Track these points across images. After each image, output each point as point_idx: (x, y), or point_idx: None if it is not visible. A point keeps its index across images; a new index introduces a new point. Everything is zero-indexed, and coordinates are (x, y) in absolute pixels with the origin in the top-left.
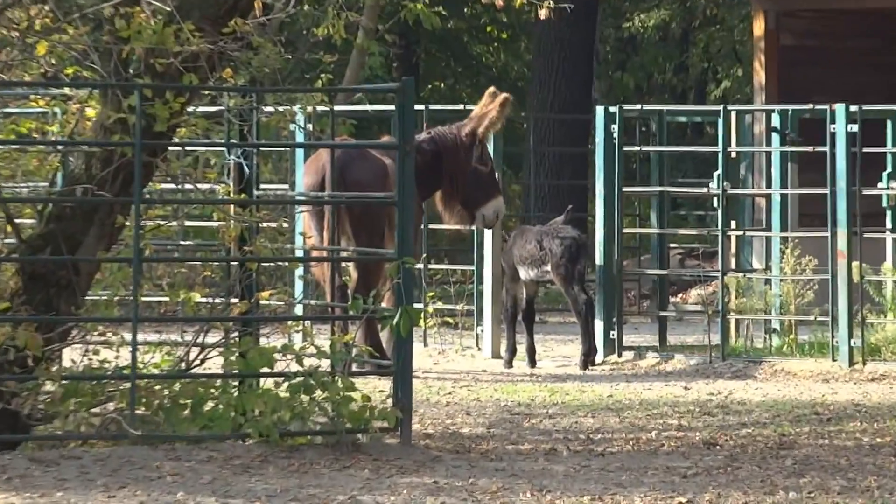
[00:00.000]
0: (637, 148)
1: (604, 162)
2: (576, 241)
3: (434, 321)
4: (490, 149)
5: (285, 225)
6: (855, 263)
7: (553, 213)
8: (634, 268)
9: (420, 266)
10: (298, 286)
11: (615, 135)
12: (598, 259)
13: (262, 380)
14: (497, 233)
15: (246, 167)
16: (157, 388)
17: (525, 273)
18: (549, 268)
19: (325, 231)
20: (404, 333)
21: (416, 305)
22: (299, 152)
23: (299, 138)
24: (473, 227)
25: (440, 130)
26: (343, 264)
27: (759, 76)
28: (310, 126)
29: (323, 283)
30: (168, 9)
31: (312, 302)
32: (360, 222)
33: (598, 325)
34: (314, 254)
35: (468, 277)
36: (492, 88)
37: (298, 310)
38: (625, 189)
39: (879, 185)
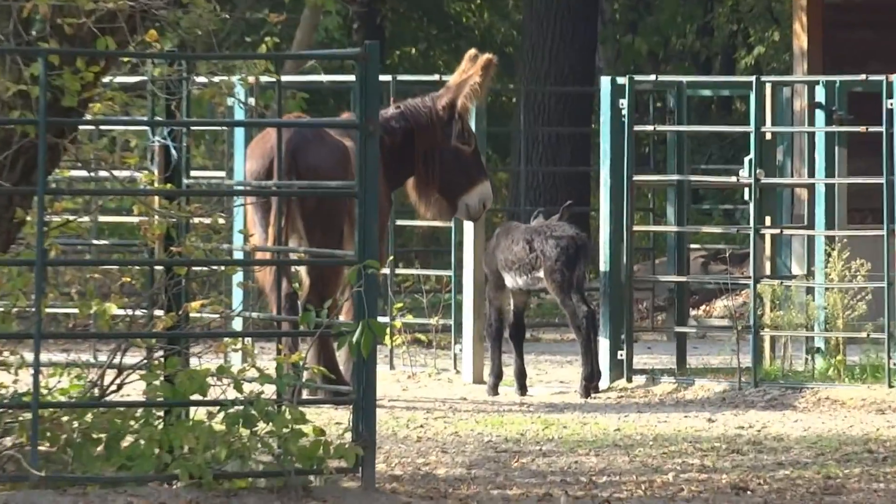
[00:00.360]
0: (650, 127)
1: (610, 144)
2: (574, 240)
3: (403, 338)
4: (472, 126)
5: (222, 221)
6: None
7: (547, 206)
8: (647, 274)
9: (386, 271)
10: (237, 295)
11: (624, 111)
12: (603, 263)
13: (192, 410)
14: (481, 230)
15: (173, 150)
16: (65, 419)
17: (512, 280)
18: (541, 273)
19: (271, 228)
20: (366, 353)
21: (380, 319)
22: (239, 132)
23: (239, 115)
24: (453, 222)
25: (411, 104)
26: (293, 268)
27: (800, 40)
28: (252, 100)
29: (267, 291)
30: None
31: (254, 315)
32: (315, 217)
33: (603, 344)
34: (257, 256)
35: (444, 285)
36: (473, 51)
37: (237, 324)
38: (636, 178)
39: None
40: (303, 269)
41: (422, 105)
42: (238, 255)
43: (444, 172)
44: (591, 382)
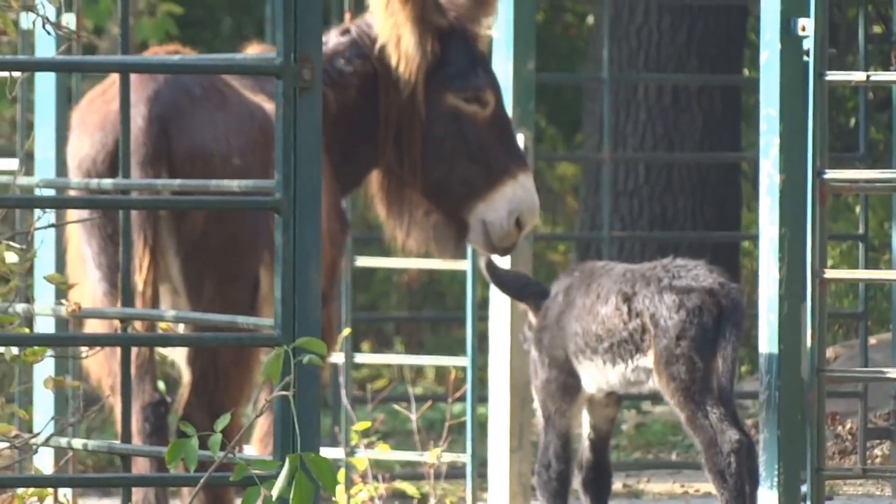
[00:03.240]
0: (859, 75)
1: (779, 109)
2: (714, 297)
3: (371, 492)
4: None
5: (13, 258)
6: None
7: (662, 230)
8: (852, 364)
9: (338, 358)
10: (45, 404)
11: (806, 43)
12: (765, 343)
13: None
14: (522, 268)
15: None
16: None
17: (596, 377)
18: (650, 360)
19: (122, 272)
20: None
21: (326, 452)
22: (46, 82)
23: (47, 51)
24: (467, 259)
25: (370, 25)
26: (160, 350)
27: None
28: (70, 19)
29: (108, 395)
30: None
31: (79, 443)
32: (203, 251)
33: (766, 497)
34: (90, 326)
35: (452, 386)
36: None
37: (43, 459)
38: (829, 174)
39: None
40: (178, 354)
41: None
42: (47, 327)
43: (436, 158)
44: None
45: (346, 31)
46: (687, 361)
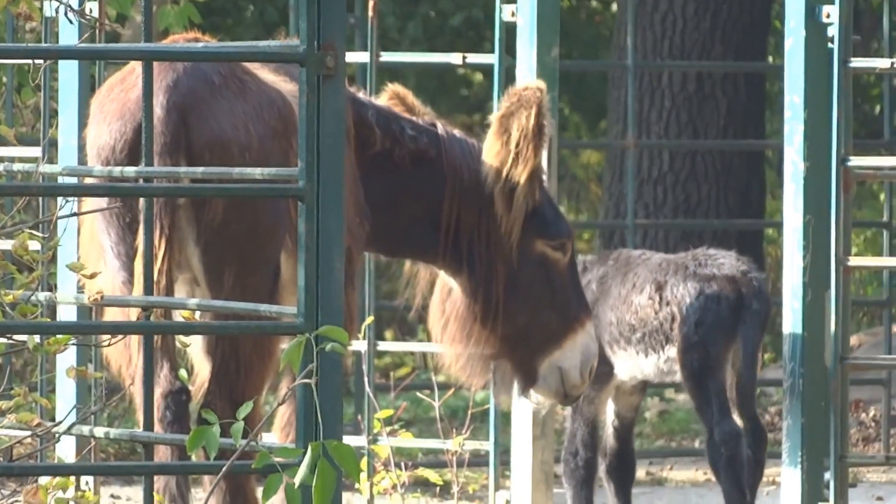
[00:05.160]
0: (885, 63)
1: (804, 95)
2: (735, 284)
3: (393, 478)
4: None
5: (35, 246)
6: None
7: (686, 217)
8: (877, 352)
9: (361, 346)
10: (67, 393)
11: (831, 29)
12: (788, 328)
13: None
14: None
15: None
16: None
17: (628, 366)
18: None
19: (138, 260)
20: None
21: (349, 440)
22: (70, 70)
23: (70, 38)
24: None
25: (442, 123)
26: (180, 338)
27: None
28: (93, 6)
29: (130, 382)
30: None
31: (101, 431)
32: (224, 240)
33: (791, 485)
34: (110, 315)
35: None
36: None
37: (67, 447)
38: (853, 161)
39: None
40: (200, 342)
41: (459, 134)
42: (70, 315)
43: (522, 303)
44: None
45: (433, 123)
46: (701, 350)
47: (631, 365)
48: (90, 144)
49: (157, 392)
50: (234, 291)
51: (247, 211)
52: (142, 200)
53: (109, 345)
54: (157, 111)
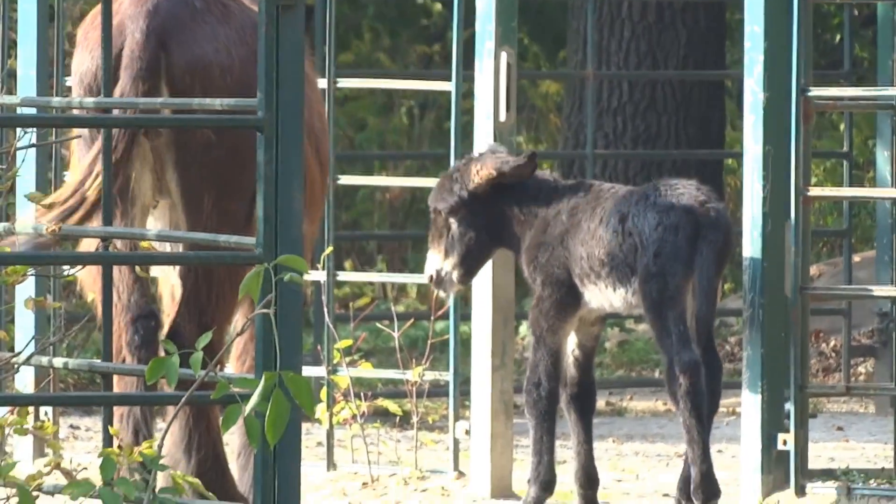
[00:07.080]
0: None
1: (764, 23)
2: (692, 214)
3: (354, 409)
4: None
5: None
6: None
7: (646, 147)
8: (836, 282)
9: (320, 276)
10: (26, 323)
11: None
12: (748, 261)
13: None
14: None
15: None
16: None
17: (598, 300)
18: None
19: (114, 184)
20: (275, 438)
21: (308, 371)
22: (29, 2)
23: None
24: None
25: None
26: (153, 268)
27: None
28: None
29: (95, 308)
30: None
31: (60, 362)
32: (202, 164)
33: (750, 417)
34: (84, 244)
35: (435, 303)
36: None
37: (26, 378)
38: (813, 91)
39: None
40: (171, 271)
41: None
42: (26, 246)
43: None
44: (707, 490)
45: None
46: (660, 280)
47: (601, 298)
48: (74, 71)
49: (127, 317)
50: (212, 217)
51: (226, 137)
52: (101, 131)
53: (68, 276)
54: (136, 36)
